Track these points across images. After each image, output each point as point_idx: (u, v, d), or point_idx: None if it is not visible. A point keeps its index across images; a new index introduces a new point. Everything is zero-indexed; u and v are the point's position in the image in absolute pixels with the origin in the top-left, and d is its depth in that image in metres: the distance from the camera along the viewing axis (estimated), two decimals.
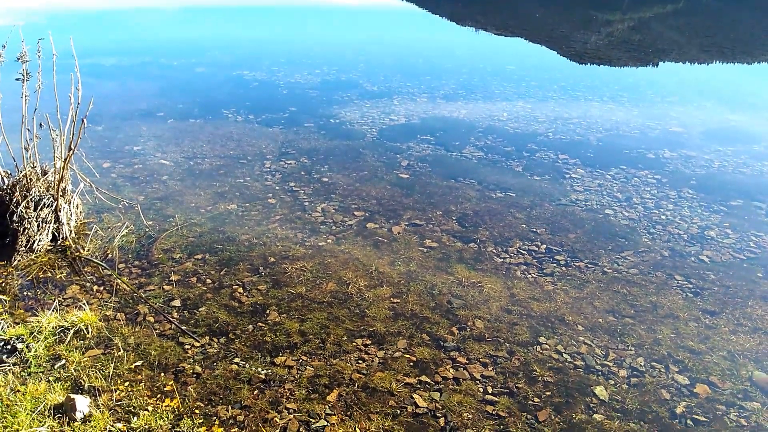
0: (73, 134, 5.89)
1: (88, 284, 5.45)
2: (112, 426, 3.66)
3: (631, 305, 5.56)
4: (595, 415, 4.17)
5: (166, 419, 3.79)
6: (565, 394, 4.38)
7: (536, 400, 4.30)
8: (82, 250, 5.94)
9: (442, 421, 4.04)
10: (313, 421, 3.92)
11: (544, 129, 10.91)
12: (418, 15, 30.21)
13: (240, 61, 15.95)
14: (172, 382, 4.20)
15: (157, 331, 4.82)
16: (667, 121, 11.60)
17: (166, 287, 5.46)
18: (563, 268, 6.19)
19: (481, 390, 4.37)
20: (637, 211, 7.57)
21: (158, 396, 4.04)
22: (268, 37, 20.75)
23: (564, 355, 4.82)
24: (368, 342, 4.84)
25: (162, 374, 4.29)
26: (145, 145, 9.18)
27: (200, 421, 3.82)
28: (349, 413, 4.03)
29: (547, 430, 4.01)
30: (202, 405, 4.00)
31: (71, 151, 5.92)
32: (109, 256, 5.95)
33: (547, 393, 4.37)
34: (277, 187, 7.83)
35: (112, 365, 4.28)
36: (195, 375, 4.32)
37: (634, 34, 24.24)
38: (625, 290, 5.80)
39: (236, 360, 4.50)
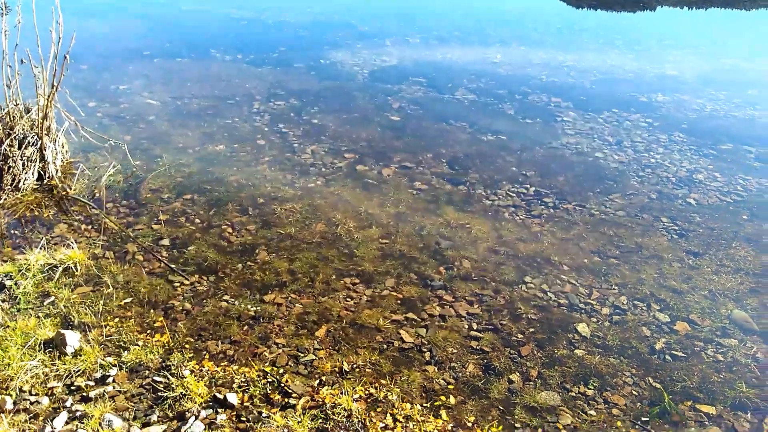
0: (56, 71, 5.74)
1: (75, 223, 5.44)
2: (103, 360, 3.73)
3: (617, 246, 5.63)
4: (576, 351, 4.28)
5: (156, 353, 3.86)
6: (548, 330, 4.49)
7: (520, 336, 4.41)
8: (69, 190, 5.90)
9: (427, 355, 4.14)
10: (302, 355, 4.01)
11: (537, 72, 10.75)
12: None
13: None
14: (161, 318, 4.26)
15: (146, 269, 4.85)
16: (662, 65, 11.44)
17: (154, 226, 5.46)
18: (551, 210, 6.23)
19: (467, 326, 4.47)
20: (627, 154, 7.56)
21: (148, 332, 4.11)
22: None
23: (548, 293, 4.91)
24: (356, 281, 4.90)
25: (152, 311, 4.35)
26: (132, 85, 8.99)
27: (190, 355, 3.90)
28: (336, 348, 4.12)
29: (529, 364, 4.13)
30: (192, 340, 4.07)
31: (54, 88, 5.79)
32: (97, 195, 5.92)
33: (531, 330, 4.48)
34: (266, 129, 7.74)
35: (101, 302, 4.33)
36: (185, 312, 4.38)
37: None
38: (611, 232, 5.86)
39: (226, 297, 4.56)
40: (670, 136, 8.13)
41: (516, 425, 3.59)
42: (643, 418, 3.72)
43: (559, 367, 4.11)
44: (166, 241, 5.25)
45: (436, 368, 4.02)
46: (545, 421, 3.64)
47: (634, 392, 3.94)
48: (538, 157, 7.45)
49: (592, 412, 3.74)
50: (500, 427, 3.53)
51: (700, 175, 7.06)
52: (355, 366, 3.94)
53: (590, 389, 3.93)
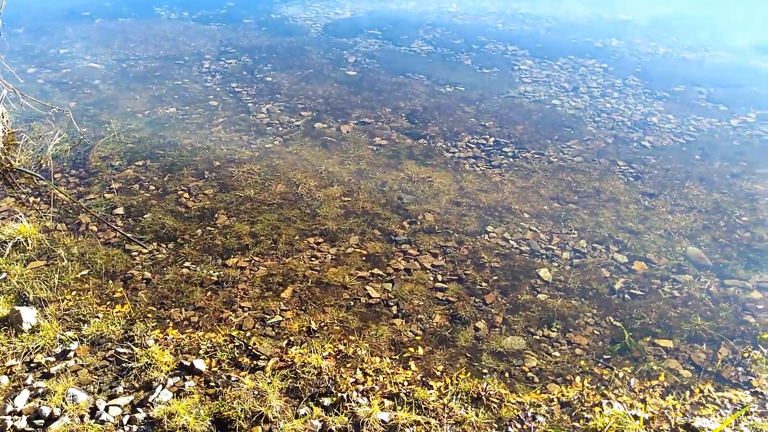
0: None
1: (23, 196, 5.21)
2: (62, 335, 3.63)
3: (575, 192, 5.72)
4: (539, 295, 4.37)
5: (118, 325, 3.77)
6: (511, 277, 4.56)
7: (484, 284, 4.47)
8: (13, 161, 5.62)
9: (394, 309, 4.17)
10: (269, 317, 3.98)
11: (493, 21, 10.64)
12: None
13: None
14: (121, 288, 4.15)
15: (101, 239, 4.70)
16: (615, 10, 11.46)
17: (107, 195, 5.27)
18: (511, 160, 6.26)
19: (432, 278, 4.50)
20: (584, 100, 7.61)
21: (108, 303, 4.01)
22: None
23: (510, 241, 4.97)
24: (320, 240, 4.85)
25: (110, 282, 4.24)
26: (72, 48, 8.54)
27: (153, 324, 3.83)
28: (303, 308, 4.11)
29: (494, 311, 4.20)
30: (155, 309, 3.99)
31: None
32: (44, 166, 5.66)
33: (494, 278, 4.54)
34: (218, 89, 7.49)
35: (56, 276, 4.19)
36: (145, 281, 4.27)
37: None
38: (569, 178, 5.94)
39: (187, 264, 4.47)
40: (624, 80, 8.21)
41: (483, 371, 3.67)
42: (605, 356, 3.84)
43: (523, 312, 4.20)
44: (120, 210, 5.09)
45: (403, 321, 4.06)
46: (511, 365, 3.73)
47: (595, 332, 4.06)
48: (496, 107, 7.43)
49: (557, 354, 3.85)
50: (468, 374, 3.60)
51: (654, 118, 7.17)
52: (323, 324, 3.94)
53: (554, 331, 4.03)
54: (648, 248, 4.93)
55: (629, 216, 5.36)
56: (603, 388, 3.57)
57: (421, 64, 8.69)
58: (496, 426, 3.21)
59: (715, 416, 3.36)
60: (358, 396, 3.29)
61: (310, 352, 3.62)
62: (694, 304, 4.34)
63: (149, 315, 3.92)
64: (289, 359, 3.55)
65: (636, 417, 3.27)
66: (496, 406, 3.35)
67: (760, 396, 3.54)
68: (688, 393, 3.54)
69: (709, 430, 3.19)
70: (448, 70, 8.48)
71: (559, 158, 6.30)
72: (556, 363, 3.77)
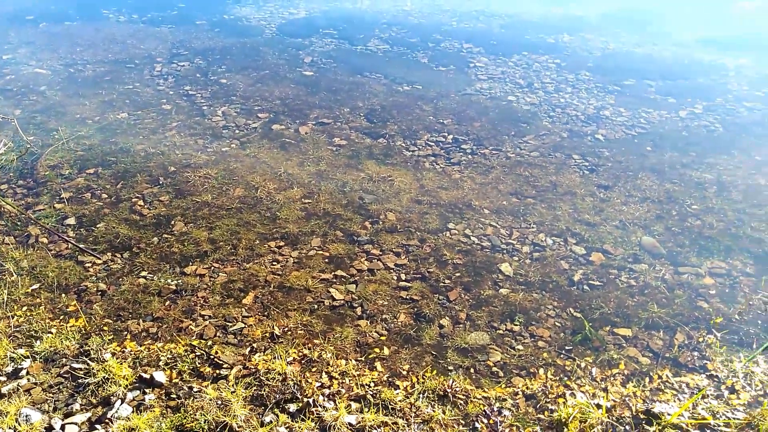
0: None
1: None
2: (13, 352, 3.49)
3: (533, 186, 5.80)
4: (501, 290, 4.42)
5: (72, 339, 3.64)
6: (474, 273, 4.59)
7: (447, 281, 4.49)
8: None
9: (359, 310, 4.15)
10: (230, 324, 3.91)
11: (448, 18, 10.71)
12: None
13: None
14: (74, 302, 4.01)
15: (52, 252, 4.53)
16: (567, 6, 11.69)
17: (57, 206, 5.09)
18: (469, 156, 6.31)
19: (395, 278, 4.50)
20: (538, 96, 7.74)
21: (61, 317, 3.87)
22: None
23: (472, 237, 5.01)
24: (281, 243, 4.79)
25: (63, 295, 4.09)
26: (16, 53, 8.21)
27: (110, 337, 3.71)
28: (266, 313, 4.05)
29: (457, 307, 4.23)
30: (111, 321, 3.87)
31: None
32: None
33: (457, 274, 4.57)
34: (171, 92, 7.31)
35: (5, 291, 4.02)
36: (100, 292, 4.14)
37: None
38: (527, 172, 6.03)
39: (143, 273, 4.35)
40: (577, 75, 8.38)
41: (449, 368, 3.68)
42: (566, 347, 3.91)
43: (486, 308, 4.24)
44: (71, 220, 4.92)
45: (368, 322, 4.04)
46: (476, 360, 3.76)
47: (557, 323, 4.13)
48: (453, 105, 7.48)
49: (520, 347, 3.89)
50: (434, 372, 3.61)
51: (606, 112, 7.34)
52: (286, 329, 3.89)
53: (516, 325, 4.08)
54: (604, 239, 5.04)
55: (585, 208, 5.47)
56: (566, 379, 3.63)
57: (378, 63, 8.68)
58: (463, 422, 3.23)
59: (674, 401, 3.46)
60: (324, 400, 3.26)
61: (274, 358, 3.57)
62: (651, 292, 4.46)
63: (105, 328, 3.80)
64: (252, 366, 3.50)
65: (598, 406, 3.33)
66: (462, 402, 3.37)
67: (715, 379, 3.66)
68: (647, 380, 3.63)
69: (668, 414, 3.28)
70: (405, 69, 8.50)
71: (517, 154, 6.39)
72: (519, 356, 3.81)
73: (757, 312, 4.26)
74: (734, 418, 3.31)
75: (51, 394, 3.25)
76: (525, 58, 8.94)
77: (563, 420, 3.23)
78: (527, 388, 3.53)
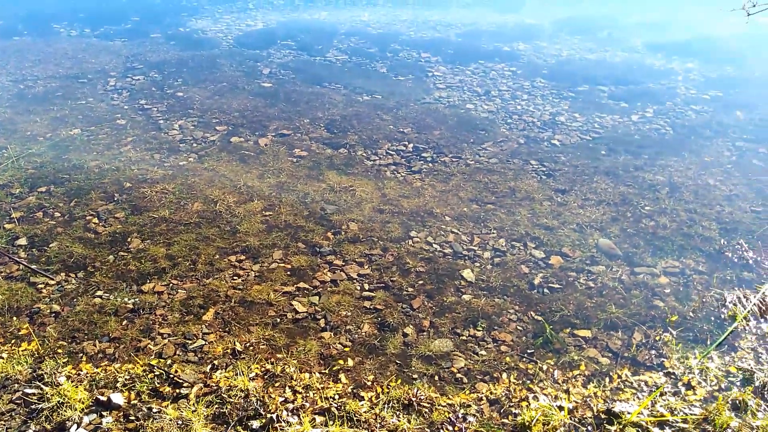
0: None
1: None
2: None
3: (492, 192, 5.88)
4: (464, 296, 4.45)
5: (24, 364, 3.51)
6: (436, 280, 4.62)
7: (410, 290, 4.50)
8: None
9: (322, 322, 4.12)
10: (190, 342, 3.83)
11: (405, 29, 10.81)
12: None
13: None
14: (27, 324, 3.87)
15: (2, 274, 4.37)
16: (520, 14, 11.94)
17: (7, 226, 4.92)
18: (430, 164, 6.36)
19: (359, 288, 4.49)
20: (496, 103, 7.87)
21: (13, 341, 3.73)
22: None
23: (434, 245, 5.04)
24: (242, 257, 4.73)
25: (14, 318, 3.94)
26: None
27: (65, 360, 3.59)
28: (227, 329, 3.98)
29: (421, 315, 4.24)
30: (65, 343, 3.75)
31: None
32: None
33: (420, 282, 4.59)
34: (125, 107, 7.17)
35: None
36: (53, 314, 4.01)
37: None
38: (486, 179, 6.11)
39: (99, 293, 4.23)
40: (532, 82, 8.55)
41: (413, 376, 3.69)
42: (528, 351, 3.96)
43: (449, 314, 4.26)
44: (23, 241, 4.76)
45: (332, 333, 4.02)
46: (440, 367, 3.78)
47: (518, 327, 4.18)
48: (413, 114, 7.54)
49: (483, 352, 3.93)
50: (398, 381, 3.61)
51: (561, 117, 7.51)
52: (248, 345, 3.84)
53: (479, 331, 4.11)
54: (563, 242, 5.14)
55: (544, 213, 5.56)
56: (528, 382, 3.67)
57: (338, 73, 8.70)
58: (429, 430, 3.23)
59: (633, 399, 3.54)
60: (288, 415, 3.22)
61: (236, 374, 3.51)
62: (608, 293, 4.56)
63: (59, 351, 3.68)
64: (214, 384, 3.43)
65: (561, 408, 3.38)
66: (427, 410, 3.37)
67: (672, 376, 3.75)
68: (607, 380, 3.71)
69: (628, 413, 3.35)
70: (365, 79, 8.54)
71: (476, 161, 6.47)
72: (483, 362, 3.84)
73: (710, 309, 4.40)
74: (691, 414, 3.40)
75: (2, 423, 3.12)
76: (482, 66, 9.08)
77: (527, 423, 3.26)
78: (491, 393, 3.56)
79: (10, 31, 9.56)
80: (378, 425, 3.21)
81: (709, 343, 4.05)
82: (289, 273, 4.60)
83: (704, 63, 9.42)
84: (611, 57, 9.74)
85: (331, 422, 3.18)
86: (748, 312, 4.30)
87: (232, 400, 3.30)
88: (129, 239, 4.85)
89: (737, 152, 6.75)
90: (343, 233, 5.13)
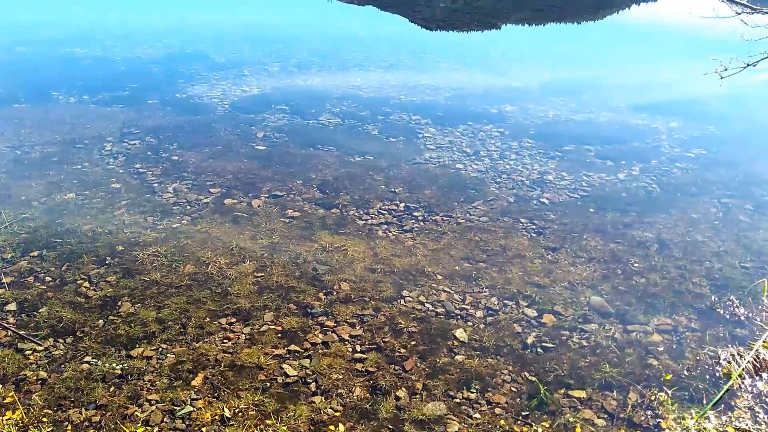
0: None
1: None
2: None
3: (484, 250, 5.92)
4: (456, 357, 4.41)
5: None
6: (429, 341, 4.59)
7: (402, 351, 4.46)
8: None
9: (313, 386, 4.06)
10: (178, 408, 3.76)
11: (396, 92, 11.13)
12: None
13: (70, 38, 14.42)
14: (12, 393, 3.80)
15: None
16: (507, 78, 12.35)
17: None
18: (421, 223, 6.42)
19: (350, 350, 4.45)
20: (485, 163, 8.02)
21: None
22: (99, 12, 18.92)
23: (426, 304, 5.04)
24: (233, 320, 4.71)
25: (0, 386, 3.87)
26: None
27: (50, 429, 3.51)
28: (216, 395, 3.92)
29: (414, 377, 4.19)
30: (51, 412, 3.67)
31: None
32: None
33: (412, 343, 4.56)
34: (121, 171, 7.27)
35: None
36: (40, 381, 3.94)
37: (475, 1, 25.33)
38: (477, 237, 6.16)
39: (87, 359, 4.17)
40: (520, 142, 8.75)
41: None
42: (523, 413, 3.90)
43: (442, 376, 4.21)
44: (12, 306, 4.73)
45: (323, 398, 3.95)
46: None
47: (513, 389, 4.13)
48: (404, 174, 7.67)
49: (477, 415, 3.86)
50: None
51: (549, 176, 7.65)
52: (237, 411, 3.77)
53: (473, 392, 4.06)
54: (555, 301, 5.14)
55: (535, 270, 5.59)
56: None
57: (330, 135, 8.89)
58: None
59: None
60: None
61: None
62: (602, 352, 4.53)
63: (45, 419, 3.60)
64: None
65: None
66: None
67: None
68: None
69: None
70: (357, 141, 8.72)
71: (467, 219, 6.54)
72: (477, 425, 3.77)
73: (705, 367, 4.37)
74: None
75: None
76: (471, 127, 9.31)
77: None
78: None
79: (9, 98, 9.79)
80: None
81: (705, 402, 4.00)
82: (279, 335, 4.56)
83: (686, 122, 9.70)
84: (596, 117, 10.02)
85: None
86: (743, 370, 4.27)
87: None
88: (119, 303, 4.82)
89: (723, 209, 6.86)
90: (334, 293, 5.13)
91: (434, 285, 5.31)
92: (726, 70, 4.64)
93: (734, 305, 5.08)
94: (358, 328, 4.71)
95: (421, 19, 19.87)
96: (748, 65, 4.62)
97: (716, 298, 5.20)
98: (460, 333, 4.69)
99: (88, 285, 5.04)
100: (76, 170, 7.23)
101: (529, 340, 4.64)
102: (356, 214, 6.59)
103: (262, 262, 5.53)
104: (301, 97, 10.62)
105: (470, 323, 4.82)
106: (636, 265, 5.70)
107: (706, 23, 5.43)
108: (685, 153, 8.46)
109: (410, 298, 5.11)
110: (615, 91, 11.51)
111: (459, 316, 4.91)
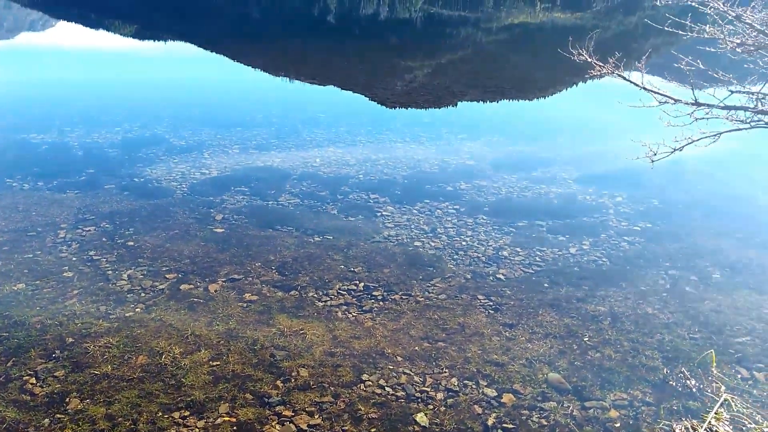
0: None
1: None
2: None
3: (443, 329, 5.97)
4: None
5: None
6: (389, 427, 4.53)
7: None
8: None
9: None
10: None
11: (355, 171, 11.40)
12: (229, 65, 30.02)
13: (25, 122, 14.38)
14: None
15: None
16: (461, 156, 12.81)
17: None
18: (381, 303, 6.46)
19: None
20: (442, 240, 8.20)
21: None
22: (57, 93, 19.05)
23: (386, 388, 5.00)
24: (186, 413, 4.57)
25: None
26: None
27: None
28: None
29: None
30: None
31: None
32: None
33: (372, 430, 4.48)
34: (74, 258, 7.14)
35: None
36: None
37: (433, 79, 26.57)
38: (436, 316, 6.21)
39: None
40: (475, 219, 9.02)
41: None
42: None
43: None
44: None
45: None
46: None
47: None
48: (363, 253, 7.76)
49: None
50: None
51: (504, 252, 7.86)
52: None
53: None
54: (513, 379, 5.17)
55: (493, 348, 5.65)
56: None
57: (290, 216, 8.98)
58: None
59: None
60: None
61: None
62: (561, 431, 4.54)
63: None
64: None
65: None
66: None
67: None
68: None
69: None
70: (316, 221, 8.83)
71: (425, 297, 6.61)
72: None
73: None
74: None
75: None
76: (428, 205, 9.56)
77: None
78: None
79: None
80: None
81: None
82: (235, 428, 4.43)
83: (631, 196, 10.18)
84: (546, 193, 10.43)
85: None
86: None
87: None
88: (67, 399, 4.64)
89: (671, 280, 7.13)
90: (292, 380, 5.05)
91: (394, 367, 5.29)
92: (656, 155, 4.99)
93: (686, 377, 5.20)
94: (316, 416, 4.62)
95: (379, 98, 20.63)
96: (675, 150, 4.97)
97: (668, 371, 5.32)
98: (420, 417, 4.64)
99: (34, 381, 4.84)
100: (27, 259, 7.07)
101: (490, 422, 4.62)
102: (315, 295, 6.59)
103: (218, 350, 5.44)
104: (261, 178, 10.77)
105: (431, 406, 4.79)
106: (591, 339, 5.82)
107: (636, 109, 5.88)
108: (632, 227, 8.84)
109: (370, 382, 5.06)
110: (563, 167, 12.04)
111: (419, 399, 4.88)
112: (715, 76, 5.13)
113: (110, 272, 6.85)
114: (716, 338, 5.87)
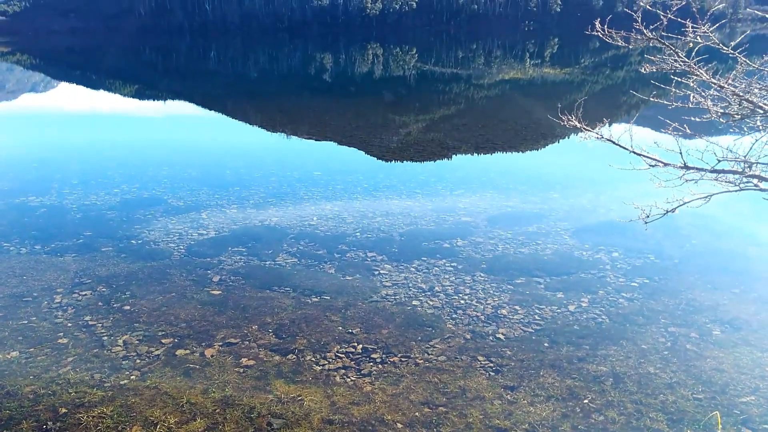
0: None
1: None
2: None
3: (443, 393, 5.87)
4: None
5: None
6: None
7: None
8: None
9: None
10: None
11: (352, 229, 11.46)
12: (226, 123, 30.57)
13: (23, 186, 14.53)
14: None
15: None
16: (457, 212, 12.92)
17: None
18: (380, 366, 6.38)
19: None
20: (440, 298, 8.18)
21: None
22: (56, 155, 19.30)
23: None
24: None
25: None
26: None
27: None
28: None
29: None
30: None
31: None
32: None
33: None
34: (69, 324, 7.08)
35: None
36: None
37: (427, 134, 27.06)
38: (436, 379, 6.13)
39: None
40: (473, 276, 9.01)
41: None
42: None
43: None
44: None
45: None
46: None
47: None
48: (361, 313, 7.71)
49: None
50: None
51: (503, 310, 7.82)
52: None
53: None
54: None
55: (495, 413, 5.54)
56: None
57: (287, 276, 8.96)
58: None
59: None
60: None
61: None
62: None
63: None
64: None
65: None
66: None
67: None
68: None
69: None
70: (314, 280, 8.81)
71: (425, 359, 6.54)
72: None
73: None
74: None
75: None
76: (425, 263, 9.57)
77: None
78: None
79: None
80: None
81: None
82: None
83: (627, 251, 10.22)
84: (542, 249, 10.46)
85: None
86: None
87: None
88: None
89: (671, 338, 7.09)
90: None
91: None
92: (648, 216, 5.06)
93: None
94: None
95: (375, 153, 20.92)
96: (667, 212, 5.05)
97: None
98: None
99: None
100: (22, 326, 7.00)
101: None
102: (313, 359, 6.51)
103: (214, 418, 5.33)
104: (258, 238, 10.80)
105: None
106: (593, 401, 5.73)
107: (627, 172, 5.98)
108: (629, 282, 8.84)
109: None
110: (558, 222, 12.13)
111: None
112: (703, 140, 5.25)
113: (105, 338, 6.78)
114: (720, 398, 5.79)
